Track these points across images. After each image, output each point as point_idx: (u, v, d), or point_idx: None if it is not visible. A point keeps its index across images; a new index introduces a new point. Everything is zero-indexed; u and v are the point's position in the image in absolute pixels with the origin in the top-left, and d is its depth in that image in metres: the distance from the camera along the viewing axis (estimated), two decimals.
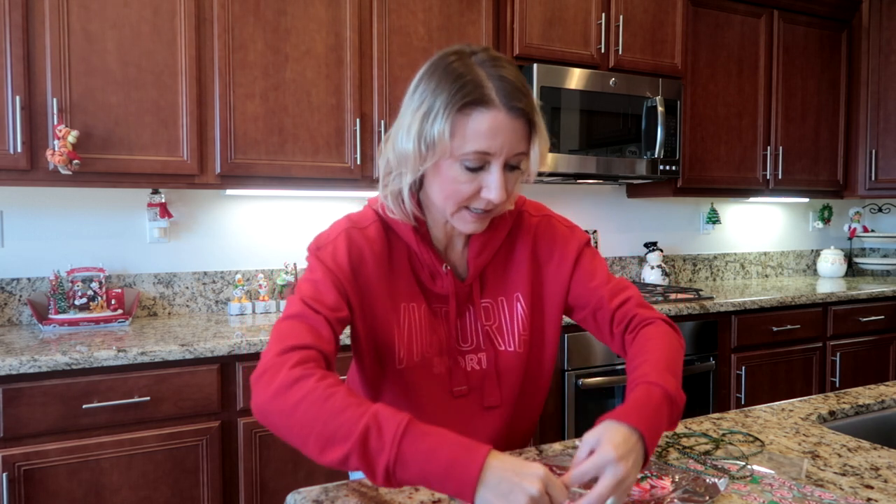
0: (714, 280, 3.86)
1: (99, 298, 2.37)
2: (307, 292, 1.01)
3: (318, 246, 1.07)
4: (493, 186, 0.97)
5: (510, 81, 0.96)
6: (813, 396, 1.45)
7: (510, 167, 0.99)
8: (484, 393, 1.13)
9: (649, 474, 0.99)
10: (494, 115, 0.95)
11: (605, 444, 0.83)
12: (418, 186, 1.06)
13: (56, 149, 2.01)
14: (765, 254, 4.06)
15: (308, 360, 0.91)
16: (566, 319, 1.95)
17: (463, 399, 1.13)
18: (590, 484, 0.82)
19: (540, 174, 1.06)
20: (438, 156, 0.97)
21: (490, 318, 1.13)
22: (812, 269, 4.25)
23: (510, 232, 1.16)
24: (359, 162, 2.49)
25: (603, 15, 2.90)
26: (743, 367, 3.01)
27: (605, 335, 1.15)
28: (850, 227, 4.28)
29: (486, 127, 0.95)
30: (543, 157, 1.02)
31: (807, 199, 3.99)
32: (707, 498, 0.92)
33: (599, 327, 1.15)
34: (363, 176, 2.53)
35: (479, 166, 0.97)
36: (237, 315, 2.56)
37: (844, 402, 1.42)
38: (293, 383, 0.86)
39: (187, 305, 2.62)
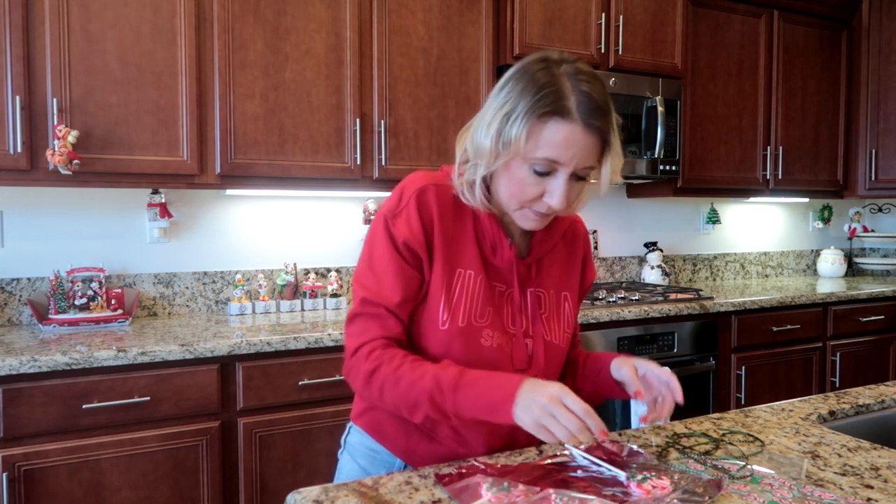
0: (714, 280, 3.86)
1: (99, 298, 2.37)
2: (369, 285, 1.10)
3: (392, 213, 1.10)
4: (555, 193, 1.03)
5: (592, 98, 1.00)
6: (813, 396, 1.45)
7: (576, 177, 1.04)
8: (531, 377, 1.15)
9: (649, 475, 0.99)
10: (571, 128, 0.99)
11: (653, 365, 1.12)
12: (489, 178, 1.11)
13: (56, 149, 2.00)
14: (765, 254, 4.06)
15: (373, 350, 1.07)
16: None
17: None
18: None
19: None
20: (511, 155, 1.02)
21: (542, 307, 1.17)
22: (812, 269, 4.25)
23: (564, 233, 1.22)
24: (359, 162, 2.49)
25: (603, 15, 2.90)
26: (743, 367, 3.01)
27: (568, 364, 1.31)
28: (850, 227, 4.28)
29: (561, 138, 1.00)
30: (615, 175, 1.07)
31: (807, 199, 3.99)
32: (707, 498, 0.92)
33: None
34: (363, 176, 2.53)
35: (546, 172, 1.02)
36: (237, 315, 2.56)
37: (844, 402, 1.42)
38: (370, 376, 1.06)
39: (187, 305, 2.62)
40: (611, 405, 2.66)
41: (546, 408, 0.93)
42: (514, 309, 1.15)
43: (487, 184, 1.10)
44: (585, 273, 1.28)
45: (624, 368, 1.13)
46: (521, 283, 1.15)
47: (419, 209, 1.09)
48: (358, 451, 1.21)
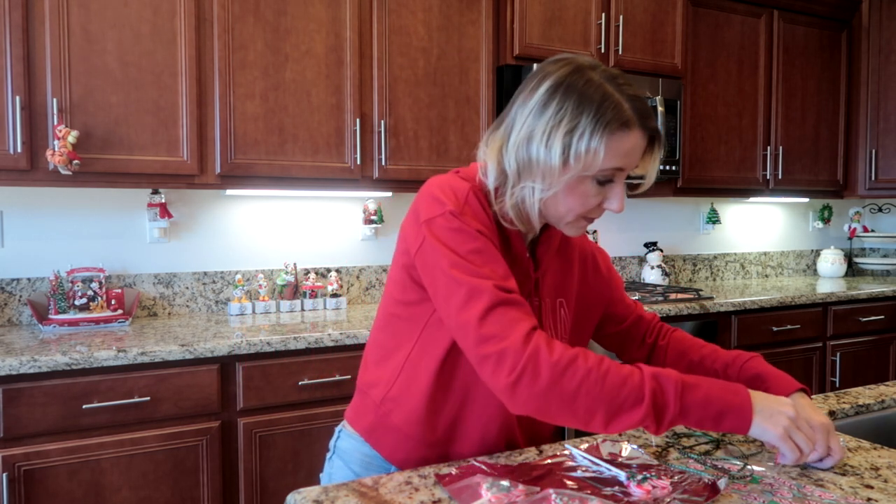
0: (714, 280, 3.86)
1: (99, 298, 2.37)
2: (486, 273, 0.96)
3: (459, 210, 1.01)
4: (616, 199, 1.05)
5: (643, 101, 1.03)
6: (813, 396, 1.45)
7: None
8: None
9: (649, 475, 0.99)
10: (636, 135, 1.01)
11: (814, 415, 1.05)
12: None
13: (56, 149, 2.01)
14: (765, 254, 4.06)
15: (551, 339, 0.94)
16: None
17: None
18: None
19: None
20: (581, 171, 1.00)
21: (545, 314, 1.17)
22: (812, 269, 4.25)
23: (560, 242, 1.22)
24: (359, 162, 2.49)
25: (603, 15, 2.90)
26: None
27: (634, 345, 1.30)
28: (850, 227, 4.28)
29: (629, 147, 1.01)
30: (656, 169, 1.10)
31: (807, 199, 3.99)
32: (707, 498, 0.92)
33: (631, 338, 1.30)
34: (363, 176, 2.53)
35: (609, 180, 1.03)
36: (237, 315, 2.56)
37: (844, 402, 1.42)
38: (565, 370, 0.91)
39: (187, 305, 2.62)
40: None
41: (795, 421, 0.97)
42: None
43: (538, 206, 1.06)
44: (602, 267, 1.28)
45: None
46: (525, 294, 1.13)
47: (481, 206, 1.04)
48: (352, 456, 1.17)
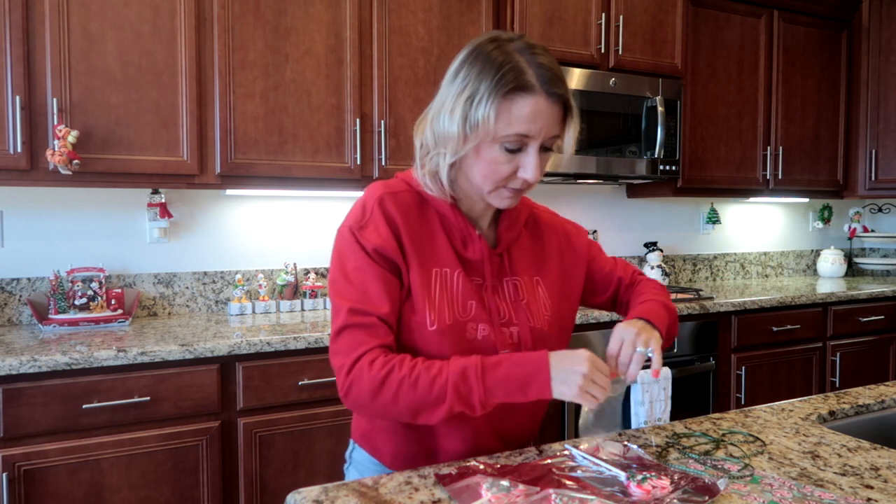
0: (714, 280, 3.86)
1: (99, 298, 2.37)
2: (352, 297, 1.07)
3: (359, 226, 1.10)
4: (529, 167, 1.05)
5: (549, 68, 1.03)
6: (813, 396, 1.45)
7: (544, 148, 1.07)
8: None
9: (649, 475, 0.99)
10: (536, 100, 1.02)
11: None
12: (455, 167, 1.12)
13: (56, 149, 2.00)
14: (765, 254, 4.06)
15: (376, 357, 1.04)
16: None
17: None
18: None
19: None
20: (481, 138, 1.04)
21: (521, 294, 1.17)
22: (812, 269, 4.25)
23: (526, 222, 1.24)
24: (359, 162, 2.49)
25: (603, 15, 2.90)
26: (743, 367, 3.01)
27: (620, 309, 1.34)
28: (850, 227, 4.28)
29: (528, 111, 1.02)
30: (575, 139, 1.09)
31: (807, 199, 3.99)
32: (707, 498, 0.92)
33: (619, 302, 1.34)
34: (363, 176, 2.53)
35: (517, 148, 1.05)
36: (237, 315, 2.56)
37: (844, 402, 1.42)
38: (381, 384, 1.02)
39: (187, 305, 2.62)
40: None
41: (588, 375, 1.00)
42: (495, 299, 1.15)
43: (450, 175, 1.11)
44: (575, 243, 1.29)
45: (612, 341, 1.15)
46: (497, 273, 1.16)
47: (384, 216, 1.10)
48: (366, 466, 1.21)
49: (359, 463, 1.23)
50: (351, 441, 1.27)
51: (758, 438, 1.18)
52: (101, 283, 2.39)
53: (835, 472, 1.03)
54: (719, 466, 1.05)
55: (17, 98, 2.01)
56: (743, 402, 3.01)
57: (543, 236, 1.25)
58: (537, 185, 1.10)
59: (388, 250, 1.08)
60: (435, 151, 1.09)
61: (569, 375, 1.01)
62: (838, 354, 3.31)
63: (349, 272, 1.09)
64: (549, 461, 1.07)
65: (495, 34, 1.08)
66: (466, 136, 1.04)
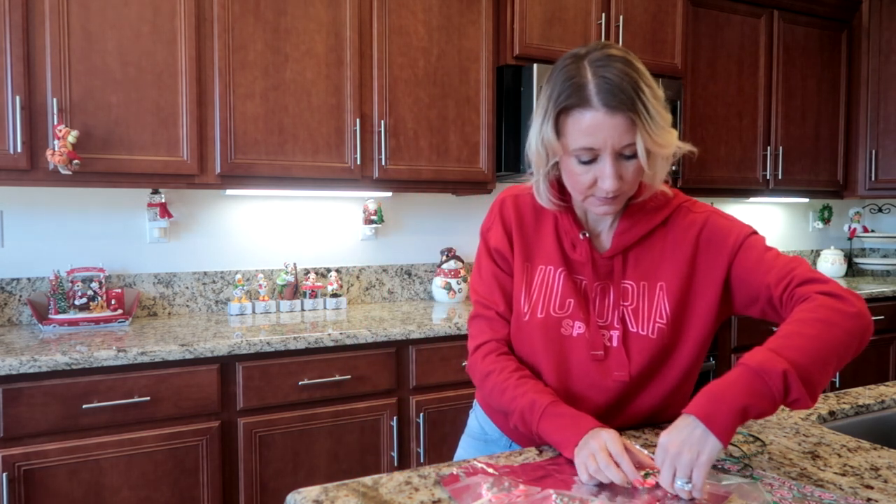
0: None
1: (99, 298, 2.37)
2: (482, 291, 1.27)
3: (486, 227, 1.28)
4: (603, 176, 1.07)
5: (609, 80, 1.03)
6: None
7: (625, 157, 1.07)
8: (611, 366, 1.17)
9: (651, 471, 0.99)
10: (592, 114, 1.04)
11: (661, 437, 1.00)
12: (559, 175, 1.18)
13: (56, 149, 2.00)
14: None
15: (489, 352, 1.22)
16: None
17: (597, 363, 1.17)
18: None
19: None
20: (556, 153, 1.10)
21: (628, 298, 1.17)
22: None
23: (665, 222, 1.19)
24: (359, 162, 2.49)
25: (603, 15, 2.90)
26: None
27: (775, 318, 1.15)
28: (850, 228, 4.28)
29: (585, 126, 1.04)
30: (659, 143, 1.06)
31: (807, 199, 3.99)
32: (707, 498, 0.92)
33: (779, 315, 1.12)
34: (363, 176, 2.53)
35: (591, 159, 1.07)
36: (237, 315, 2.56)
37: (844, 402, 1.42)
38: (484, 378, 1.21)
39: (187, 305, 2.62)
40: None
41: (593, 452, 1.00)
42: (600, 301, 1.17)
43: (562, 183, 1.18)
44: (718, 245, 1.16)
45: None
46: (605, 276, 1.18)
47: (501, 218, 1.25)
48: (472, 429, 1.39)
49: (470, 428, 1.40)
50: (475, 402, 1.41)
51: (757, 438, 1.18)
52: (101, 283, 2.39)
53: (835, 473, 1.03)
54: (719, 466, 1.05)
55: (18, 98, 2.01)
56: None
57: (679, 239, 1.18)
58: (632, 191, 1.12)
59: (504, 250, 1.23)
60: (535, 167, 1.16)
61: (583, 447, 1.02)
62: None
63: (482, 270, 1.27)
64: (549, 461, 1.07)
65: (578, 50, 1.10)
66: (545, 153, 1.11)
